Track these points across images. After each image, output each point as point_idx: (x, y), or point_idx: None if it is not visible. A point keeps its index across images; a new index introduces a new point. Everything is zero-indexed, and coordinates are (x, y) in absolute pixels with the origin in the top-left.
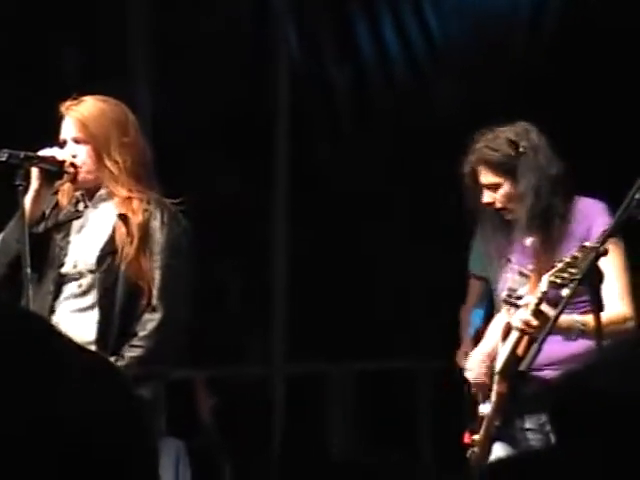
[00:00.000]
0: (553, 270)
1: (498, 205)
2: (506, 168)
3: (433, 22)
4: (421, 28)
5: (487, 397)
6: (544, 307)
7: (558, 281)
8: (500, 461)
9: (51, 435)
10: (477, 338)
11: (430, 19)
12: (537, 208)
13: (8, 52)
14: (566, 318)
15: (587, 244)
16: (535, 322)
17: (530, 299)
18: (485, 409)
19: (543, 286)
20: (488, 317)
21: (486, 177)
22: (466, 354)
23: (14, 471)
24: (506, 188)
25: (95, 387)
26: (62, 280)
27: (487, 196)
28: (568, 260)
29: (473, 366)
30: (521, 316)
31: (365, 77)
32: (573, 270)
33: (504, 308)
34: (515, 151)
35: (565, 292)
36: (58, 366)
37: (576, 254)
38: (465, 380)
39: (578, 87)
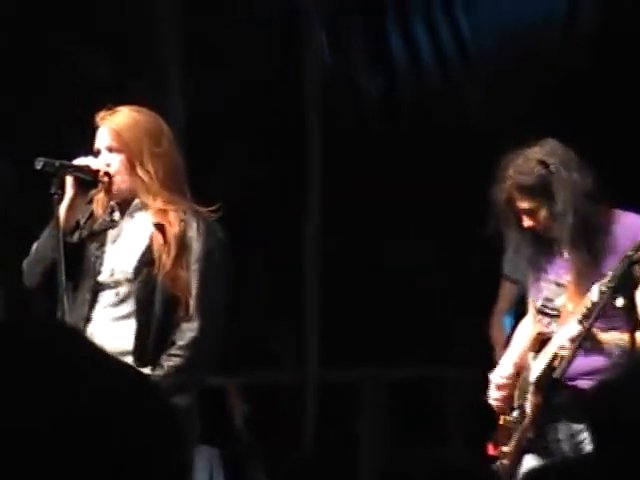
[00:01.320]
0: (604, 280)
1: (539, 228)
2: (541, 190)
3: (465, 26)
4: (453, 31)
5: (511, 407)
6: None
7: (605, 290)
8: (538, 470)
9: (72, 435)
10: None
11: (462, 22)
12: (578, 224)
13: (33, 56)
14: (606, 336)
15: (629, 253)
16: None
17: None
18: (512, 419)
19: (594, 296)
20: (517, 322)
21: (522, 202)
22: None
23: (33, 466)
24: (544, 210)
25: (121, 392)
26: (98, 289)
27: (527, 221)
28: (615, 273)
29: (500, 382)
30: (569, 333)
31: (397, 81)
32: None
33: (537, 317)
34: (546, 171)
35: (620, 302)
36: (83, 370)
37: (630, 253)
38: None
39: (613, 93)
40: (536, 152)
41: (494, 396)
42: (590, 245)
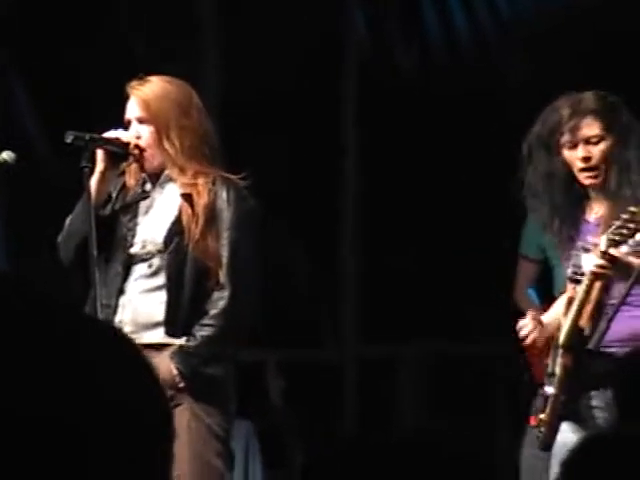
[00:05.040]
0: (611, 228)
1: (593, 162)
2: (610, 122)
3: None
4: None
5: (551, 375)
6: (612, 250)
7: (617, 238)
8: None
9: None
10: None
11: None
12: (628, 175)
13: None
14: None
15: None
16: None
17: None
18: (549, 390)
19: (602, 245)
20: (545, 298)
21: (591, 129)
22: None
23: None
24: (608, 143)
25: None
26: (131, 261)
27: (585, 150)
28: (625, 217)
29: (524, 322)
30: (593, 261)
31: (432, 56)
32: (631, 225)
33: (569, 285)
34: (618, 112)
35: (624, 249)
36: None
37: (633, 209)
38: (526, 366)
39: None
40: (590, 94)
41: (525, 332)
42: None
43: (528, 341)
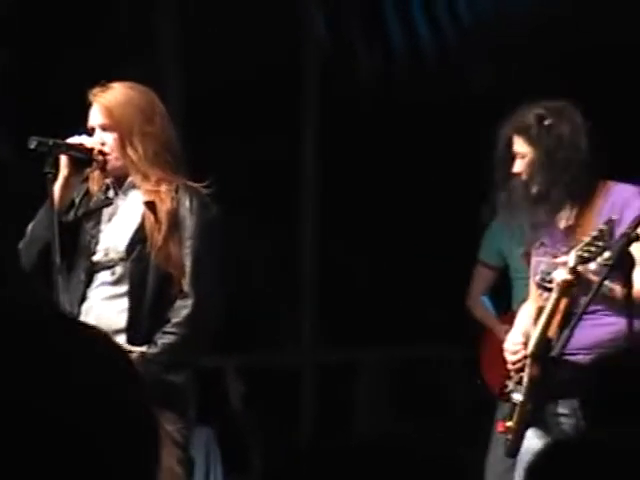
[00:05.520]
0: (580, 244)
1: (523, 176)
2: (531, 138)
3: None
4: (449, 5)
5: (518, 384)
6: (579, 267)
7: (585, 255)
8: (541, 454)
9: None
10: (504, 321)
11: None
12: (558, 183)
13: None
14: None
15: (613, 217)
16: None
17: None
18: (517, 397)
19: (571, 261)
20: (499, 307)
21: (517, 145)
22: (506, 332)
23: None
24: (529, 158)
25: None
26: (94, 269)
27: (517, 165)
28: (595, 234)
29: (514, 349)
30: (561, 276)
31: (394, 58)
32: (600, 243)
33: (537, 292)
34: (538, 125)
35: (592, 266)
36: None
37: (602, 227)
38: (479, 370)
39: (624, 66)
40: (540, 107)
41: (511, 360)
42: (571, 208)
43: (515, 366)
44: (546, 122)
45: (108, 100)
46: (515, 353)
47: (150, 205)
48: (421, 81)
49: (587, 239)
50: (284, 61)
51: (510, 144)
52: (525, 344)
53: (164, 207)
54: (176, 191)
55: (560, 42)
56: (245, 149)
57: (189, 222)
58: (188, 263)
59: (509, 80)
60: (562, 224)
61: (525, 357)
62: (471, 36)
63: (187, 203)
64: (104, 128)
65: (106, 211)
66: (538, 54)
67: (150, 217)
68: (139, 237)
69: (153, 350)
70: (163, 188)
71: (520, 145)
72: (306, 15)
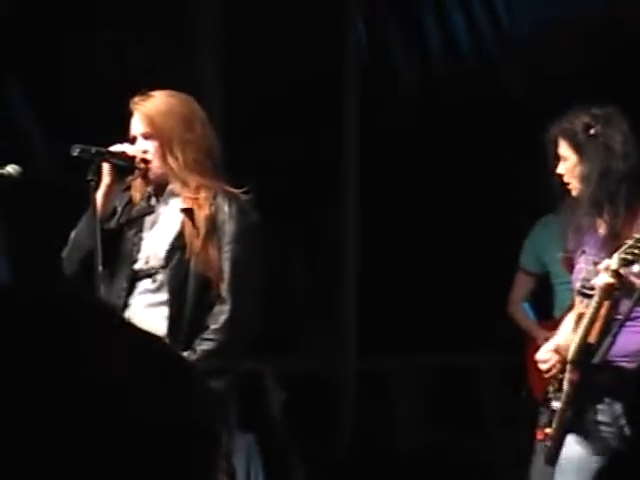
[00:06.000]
0: (623, 247)
1: (564, 179)
2: (575, 145)
3: (500, 3)
4: (488, 11)
5: (558, 391)
6: (623, 270)
7: (629, 257)
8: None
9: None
10: (545, 328)
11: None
12: (600, 193)
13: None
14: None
15: None
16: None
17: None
18: (556, 404)
19: (614, 263)
20: (540, 314)
21: (562, 147)
22: (546, 339)
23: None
24: (571, 163)
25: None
26: (135, 276)
27: (560, 167)
28: (638, 236)
29: (545, 357)
30: (602, 279)
31: (433, 65)
32: None
33: (577, 299)
34: (585, 133)
35: (635, 268)
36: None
37: None
38: (525, 380)
39: None
40: (588, 114)
41: (543, 369)
42: (610, 217)
43: (549, 374)
44: (592, 131)
45: (149, 109)
46: (545, 362)
47: (188, 212)
48: (459, 83)
49: (630, 242)
50: (325, 65)
51: (556, 145)
52: (556, 352)
53: (202, 213)
54: (215, 197)
55: (595, 45)
56: (286, 152)
57: (228, 227)
58: (226, 268)
59: (544, 84)
60: (602, 230)
61: (557, 364)
62: (509, 40)
63: (226, 208)
64: (146, 137)
65: (148, 219)
66: (575, 56)
67: (188, 224)
68: (178, 244)
69: (192, 357)
70: (202, 194)
71: (564, 149)
72: (346, 20)
